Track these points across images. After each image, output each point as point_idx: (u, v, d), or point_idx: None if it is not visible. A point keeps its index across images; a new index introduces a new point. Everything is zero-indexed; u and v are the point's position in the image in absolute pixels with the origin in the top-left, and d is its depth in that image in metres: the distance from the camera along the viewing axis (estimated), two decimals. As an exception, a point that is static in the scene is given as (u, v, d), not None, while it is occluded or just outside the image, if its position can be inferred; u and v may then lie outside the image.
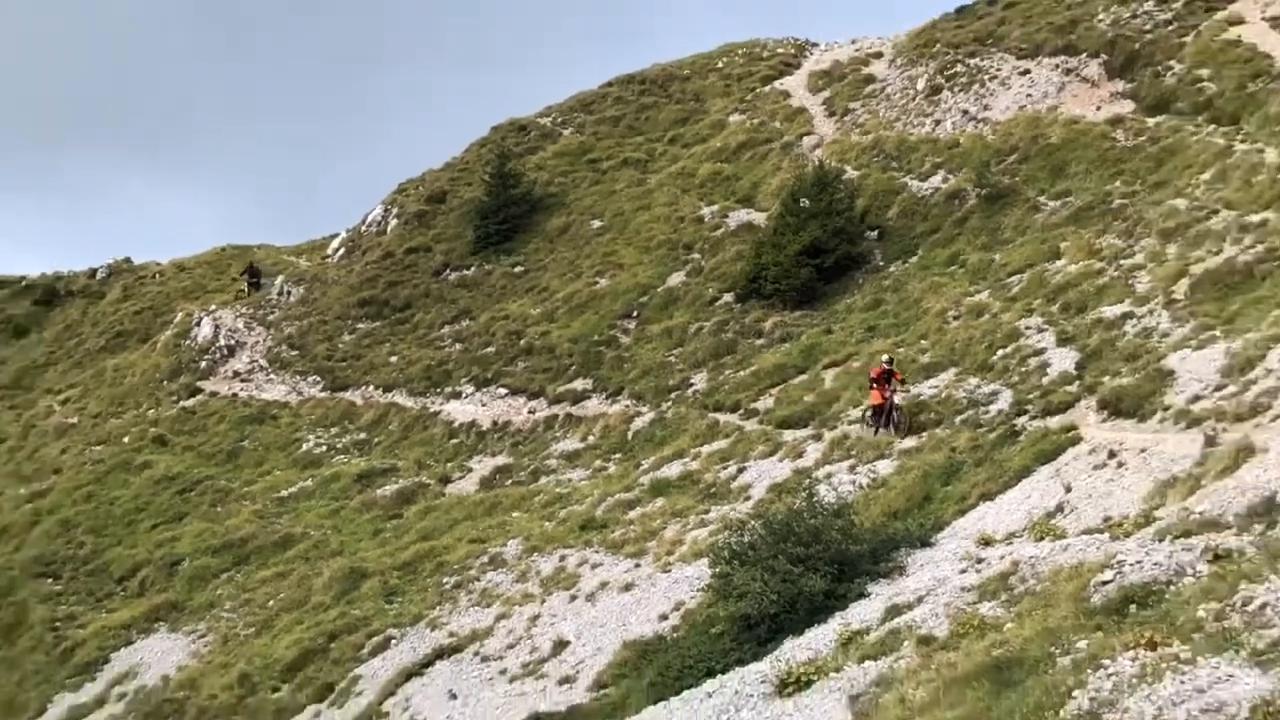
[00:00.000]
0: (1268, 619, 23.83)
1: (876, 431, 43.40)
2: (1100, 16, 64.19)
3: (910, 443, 41.68)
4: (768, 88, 75.70)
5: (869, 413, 43.99)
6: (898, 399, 43.37)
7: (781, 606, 32.76)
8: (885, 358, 44.15)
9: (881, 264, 56.26)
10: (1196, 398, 35.64)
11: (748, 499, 42.59)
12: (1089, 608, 26.67)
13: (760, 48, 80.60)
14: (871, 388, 43.54)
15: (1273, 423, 32.28)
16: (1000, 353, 44.08)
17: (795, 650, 31.04)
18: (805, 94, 73.46)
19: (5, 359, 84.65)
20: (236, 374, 70.92)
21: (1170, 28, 61.02)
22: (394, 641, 43.42)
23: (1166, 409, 36.02)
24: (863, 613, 31.75)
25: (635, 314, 61.02)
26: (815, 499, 37.44)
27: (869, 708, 27.20)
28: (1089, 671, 24.47)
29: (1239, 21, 58.96)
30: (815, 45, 79.97)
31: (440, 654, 41.40)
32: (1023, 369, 42.33)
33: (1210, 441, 32.74)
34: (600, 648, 37.66)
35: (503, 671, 39.00)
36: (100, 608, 54.38)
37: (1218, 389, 35.48)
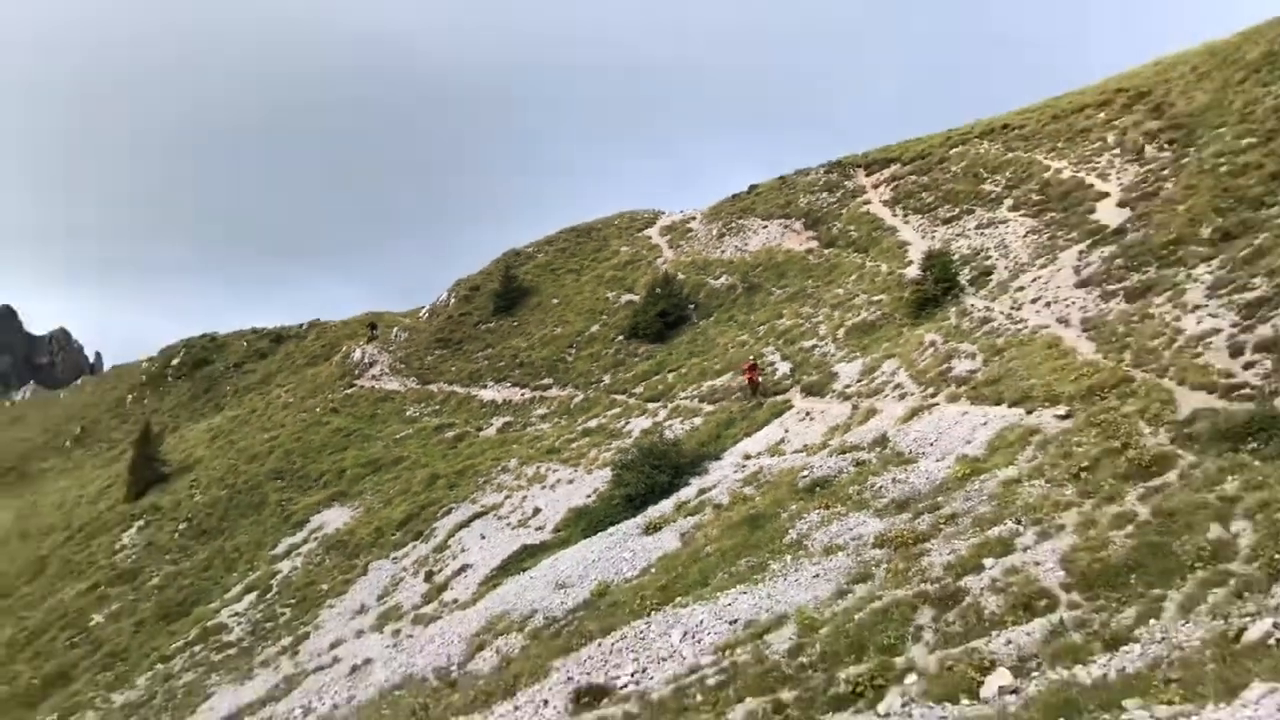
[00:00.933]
0: (881, 492, 24.84)
1: (751, 397, 40.55)
2: (802, 200, 65.20)
3: (710, 407, 42.35)
4: (640, 233, 76.07)
5: (746, 388, 41.44)
6: (761, 379, 41.03)
7: (647, 490, 33.53)
8: (752, 358, 43.24)
9: (696, 321, 56.91)
10: (848, 386, 36.57)
11: (630, 436, 43.08)
12: (797, 489, 27.66)
13: (638, 215, 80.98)
14: (745, 373, 41.52)
15: (884, 398, 33.12)
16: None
17: (653, 512, 31.79)
18: (659, 237, 73.92)
19: (255, 369, 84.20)
20: (373, 377, 70.37)
21: (835, 204, 62.17)
22: (453, 510, 43.65)
23: (834, 391, 36.89)
24: (687, 493, 32.54)
25: (574, 346, 61.33)
26: (662, 436, 38.15)
27: (690, 539, 27.91)
28: (797, 520, 25.44)
29: (867, 201, 60.19)
30: (663, 212, 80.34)
31: (476, 516, 41.78)
32: (764, 372, 43.03)
33: (855, 407, 33.70)
34: (557, 511, 38.21)
35: (508, 524, 39.39)
36: (305, 495, 54.06)
37: (858, 381, 36.43)
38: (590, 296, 67.55)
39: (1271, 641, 12.25)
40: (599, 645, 22.36)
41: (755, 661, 17.91)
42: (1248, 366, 22.78)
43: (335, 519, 49.22)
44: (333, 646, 34.71)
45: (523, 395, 58.55)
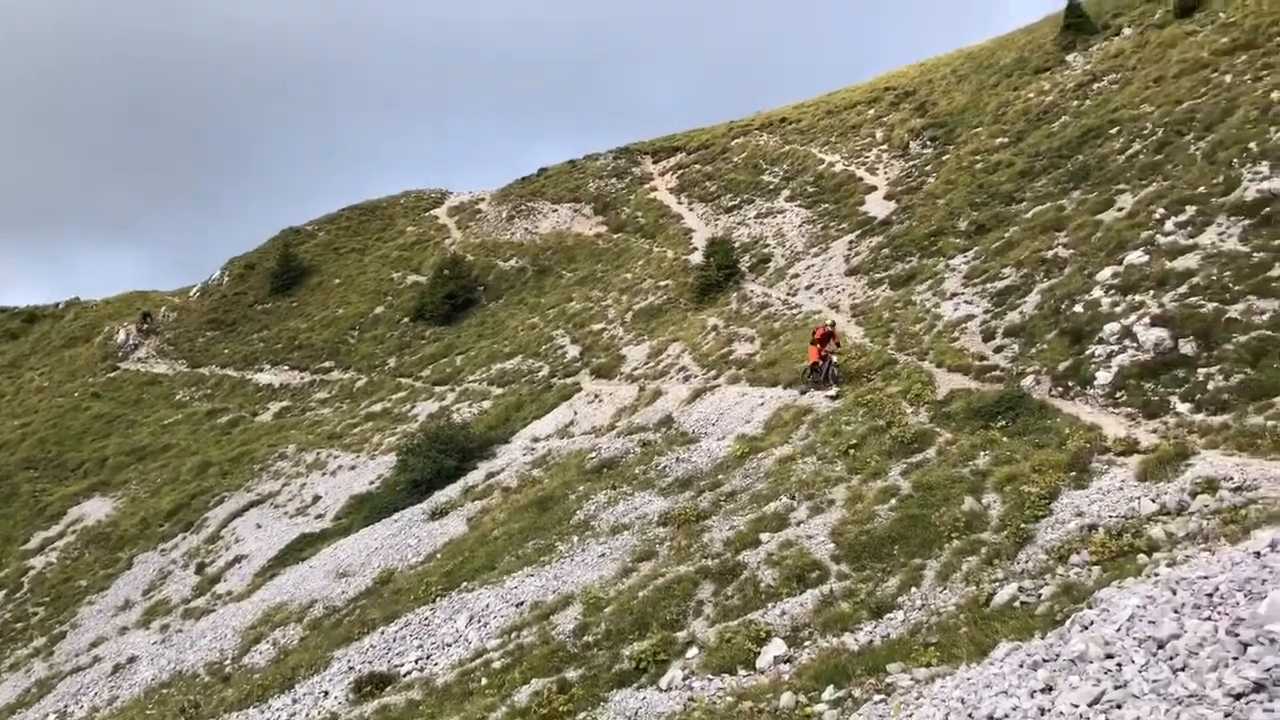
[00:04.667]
0: (666, 472, 25.26)
1: (814, 385, 26.49)
2: (591, 185, 65.50)
3: (499, 390, 42.03)
4: (428, 213, 74.37)
5: (808, 371, 26.83)
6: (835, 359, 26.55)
7: (434, 474, 32.92)
8: (829, 321, 28.34)
9: (486, 303, 56.21)
10: (635, 368, 36.97)
11: (416, 420, 42.20)
12: (585, 471, 27.78)
13: (425, 194, 79.10)
14: (813, 345, 26.72)
15: (669, 380, 33.67)
16: (544, 347, 44.86)
17: (440, 496, 31.29)
18: (447, 217, 72.53)
19: (5, 351, 77.27)
20: (139, 360, 66.03)
21: (624, 190, 62.84)
22: (226, 499, 41.58)
23: (622, 373, 37.21)
24: (474, 477, 32.15)
25: (357, 328, 59.46)
26: (450, 420, 37.58)
27: (477, 523, 27.57)
28: (584, 501, 25.54)
29: (655, 188, 61.19)
30: (451, 192, 78.81)
31: (252, 505, 40.06)
32: (554, 355, 43.19)
33: (642, 389, 34.11)
34: (338, 499, 37.11)
35: (286, 513, 37.95)
36: (62, 485, 50.15)
37: (646, 364, 36.89)
38: (374, 277, 65.61)
39: (1017, 604, 13.23)
40: (382, 633, 21.91)
41: (541, 643, 17.92)
42: (998, 350, 24.52)
43: (96, 510, 45.90)
44: (93, 646, 32.44)
45: (302, 379, 56.29)
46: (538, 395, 39.26)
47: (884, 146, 50.09)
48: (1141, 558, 12.89)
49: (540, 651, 17.56)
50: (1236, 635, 5.17)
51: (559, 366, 41.50)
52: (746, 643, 15.01)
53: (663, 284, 45.58)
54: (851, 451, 21.46)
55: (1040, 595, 13.18)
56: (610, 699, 14.98)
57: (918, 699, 9.69)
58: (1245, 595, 5.88)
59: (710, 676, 14.50)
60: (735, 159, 58.92)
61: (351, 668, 20.68)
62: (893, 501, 18.34)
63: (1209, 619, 5.82)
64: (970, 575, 14.88)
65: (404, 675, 19.50)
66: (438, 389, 46.17)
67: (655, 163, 65.91)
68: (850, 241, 39.29)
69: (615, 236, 56.71)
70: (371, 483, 36.87)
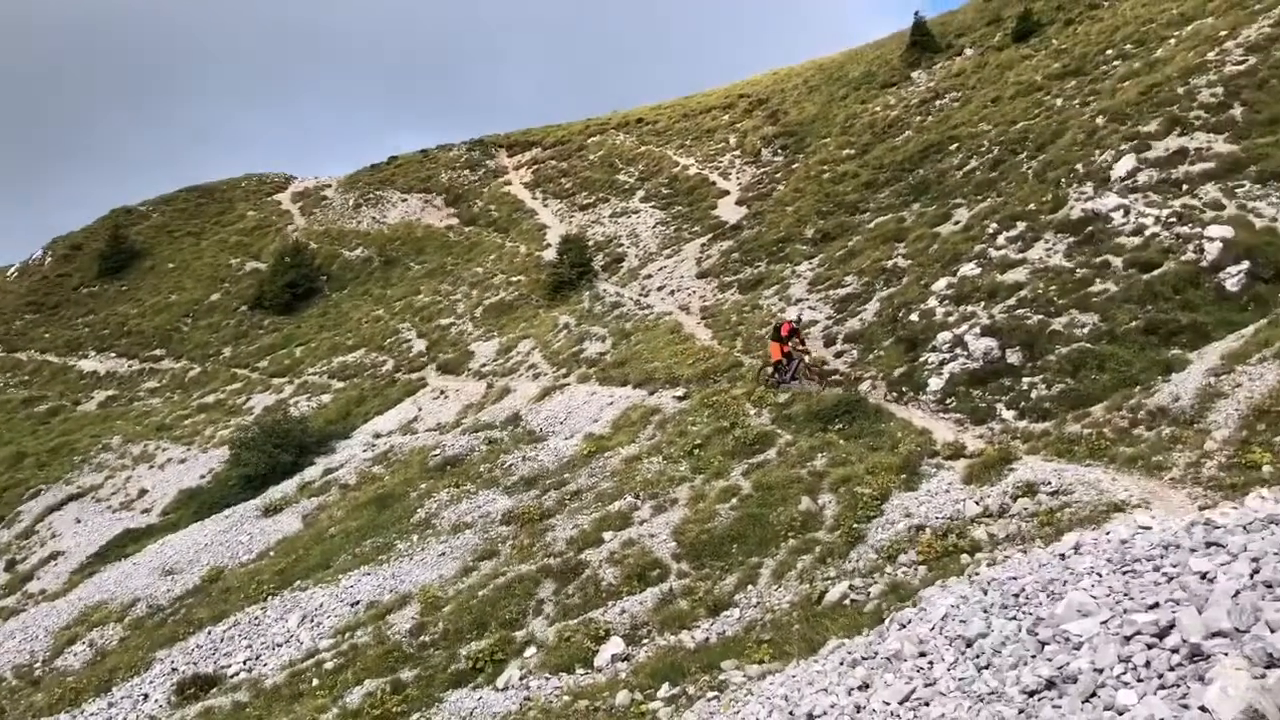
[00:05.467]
0: (511, 470, 25.08)
1: (780, 384, 24.00)
2: (444, 176, 64.61)
3: (340, 384, 40.98)
4: (270, 198, 71.90)
5: (768, 369, 24.47)
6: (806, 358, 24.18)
7: (269, 469, 31.90)
8: (793, 316, 25.51)
9: (329, 293, 54.80)
10: (484, 365, 36.66)
11: (252, 413, 40.75)
12: (428, 468, 27.35)
13: (268, 178, 76.44)
14: (774, 341, 24.22)
15: (518, 377, 33.50)
16: (389, 340, 43.97)
17: (274, 493, 30.34)
18: (290, 203, 70.33)
19: None
20: (-53, 341, 61.67)
21: (477, 182, 62.21)
22: (42, 492, 39.21)
23: (470, 369, 36.81)
24: (311, 473, 31.32)
25: (191, 315, 57.07)
26: (287, 414, 36.52)
27: (313, 520, 26.82)
28: (426, 499, 25.15)
29: (509, 182, 60.79)
30: (295, 177, 76.41)
31: (71, 499, 37.93)
32: (400, 349, 42.39)
33: (490, 386, 33.84)
34: (166, 493, 35.54)
35: (109, 508, 36.12)
36: None
37: (495, 360, 36.58)
38: (211, 263, 63.01)
39: (847, 602, 13.67)
40: (209, 633, 21.06)
41: (376, 643, 17.56)
42: (839, 355, 25.32)
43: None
44: (-117, 651, 30.08)
45: (130, 367, 53.55)
46: (381, 390, 38.45)
47: (737, 152, 51.07)
48: (965, 558, 13.46)
49: (375, 652, 17.19)
50: (1036, 634, 5.45)
51: (404, 361, 40.76)
52: (586, 641, 15.03)
53: (515, 280, 45.29)
54: (696, 451, 21.75)
55: (869, 593, 13.64)
56: (445, 699, 14.78)
57: (747, 696, 9.90)
58: (1048, 595, 6.22)
59: (548, 675, 14.46)
60: (591, 157, 59.04)
61: (175, 669, 19.81)
62: (733, 501, 18.66)
63: (1014, 618, 6.14)
64: (804, 573, 15.27)
65: (231, 676, 18.81)
66: (275, 381, 44.67)
67: (510, 156, 65.51)
68: (702, 244, 39.88)
69: (467, 229, 56.04)
70: (203, 477, 35.43)
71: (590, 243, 45.51)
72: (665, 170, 52.10)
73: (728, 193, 45.81)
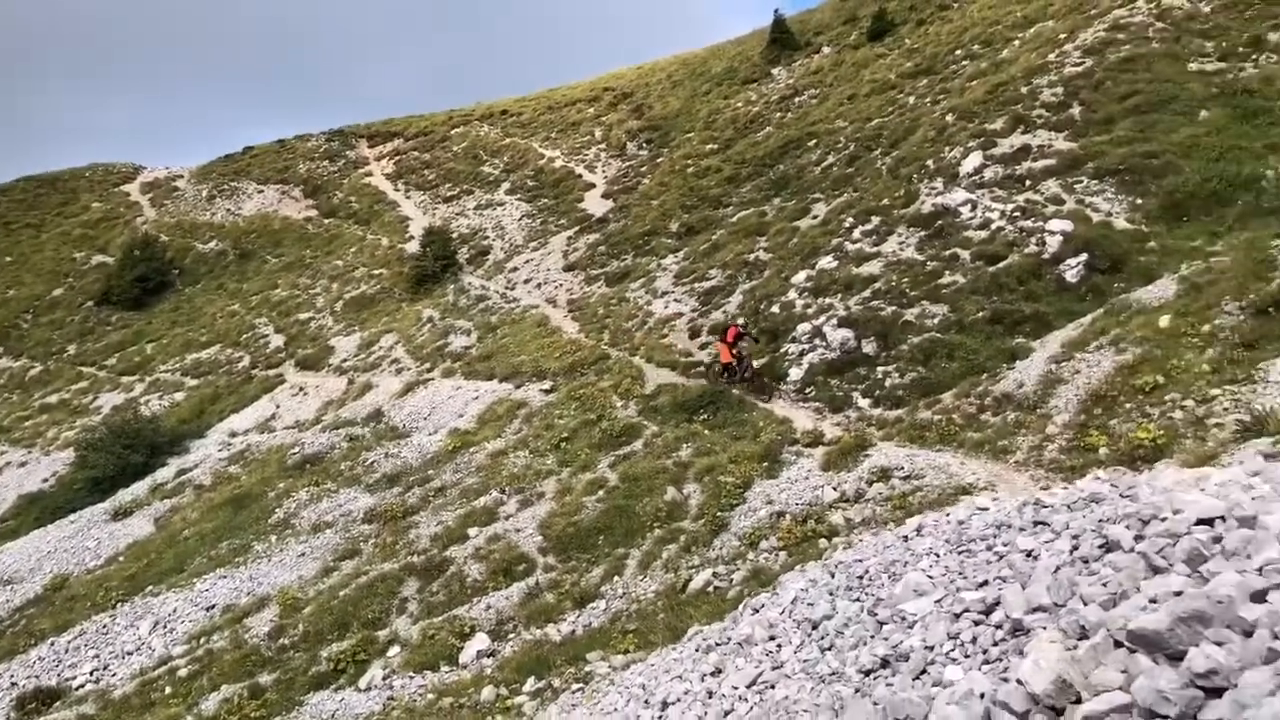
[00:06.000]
0: (374, 468, 24.66)
1: (729, 382, 22.91)
2: (302, 167, 62.88)
3: (194, 382, 39.50)
4: (117, 189, 68.68)
5: (719, 369, 23.30)
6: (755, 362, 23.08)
7: (117, 471, 30.58)
8: (741, 320, 24.29)
9: (181, 287, 52.71)
10: (345, 360, 35.90)
11: (99, 413, 38.93)
12: (286, 467, 26.68)
13: (115, 168, 72.96)
14: (724, 345, 23.01)
15: (381, 372, 32.93)
16: (245, 336, 42.59)
17: (124, 495, 29.22)
18: (139, 194, 67.35)
19: None
20: None
21: (337, 174, 60.73)
22: None
23: (331, 365, 36.01)
24: (164, 474, 30.27)
25: (31, 311, 54.13)
26: (138, 413, 35.11)
27: (165, 523, 25.84)
28: (285, 498, 24.51)
29: (370, 173, 59.56)
30: (144, 167, 73.18)
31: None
32: (257, 344, 41.13)
33: (351, 381, 33.15)
34: (4, 499, 33.70)
35: (-59, 516, 33.89)
36: None
37: (356, 355, 35.85)
38: (54, 256, 59.84)
39: (711, 589, 13.91)
40: (52, 645, 20.07)
41: (233, 647, 17.05)
42: (703, 347, 25.67)
43: None
44: None
45: (-38, 366, 50.44)
46: (237, 387, 37.23)
47: (603, 145, 51.16)
48: (823, 542, 13.85)
49: (232, 656, 16.70)
50: (875, 615, 5.67)
51: (261, 357, 39.54)
52: (450, 639, 14.92)
53: (376, 273, 44.41)
54: (563, 445, 21.78)
55: (732, 580, 13.91)
56: (306, 702, 14.47)
57: (609, 687, 9.98)
58: (889, 577, 6.46)
59: (412, 674, 14.30)
60: (455, 148, 58.30)
61: (14, 683, 18.82)
62: (600, 493, 18.77)
63: (858, 600, 6.36)
64: (670, 563, 15.47)
65: (76, 688, 17.99)
66: (125, 379, 42.74)
67: (372, 147, 64.15)
68: (569, 238, 39.85)
69: (327, 221, 54.66)
70: (45, 480, 33.72)
71: (455, 235, 44.96)
72: (531, 163, 51.84)
73: (594, 186, 45.88)
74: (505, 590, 16.28)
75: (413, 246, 45.25)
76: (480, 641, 14.63)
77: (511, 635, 14.79)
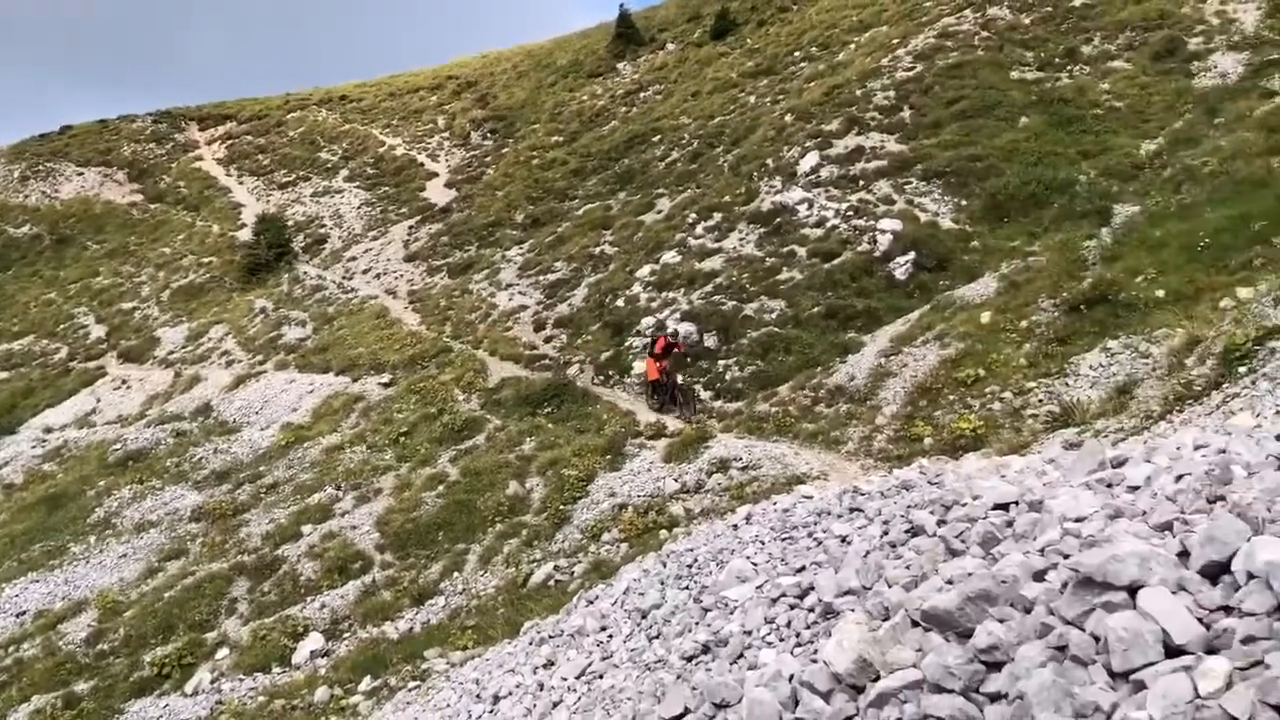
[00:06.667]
0: (202, 464, 23.81)
1: (659, 408, 20.58)
2: (126, 149, 59.84)
3: (5, 374, 37.16)
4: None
5: (650, 389, 20.99)
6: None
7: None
8: (671, 330, 21.81)
9: (-11, 274, 49.23)
10: (172, 352, 34.58)
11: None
12: (107, 464, 25.49)
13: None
14: (651, 359, 20.87)
15: (210, 365, 31.85)
16: (62, 326, 40.40)
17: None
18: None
19: None
20: None
21: (164, 157, 58.10)
22: None
23: (156, 357, 34.60)
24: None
25: None
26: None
27: (-30, 526, 24.32)
28: (105, 497, 23.41)
29: (200, 157, 57.20)
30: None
31: None
32: (75, 335, 39.13)
33: (178, 374, 31.99)
34: None
35: None
36: None
37: (184, 347, 34.61)
38: None
39: (552, 583, 14.01)
40: None
41: (46, 655, 16.23)
42: (548, 340, 25.71)
43: None
44: None
45: None
46: (53, 380, 35.25)
47: (446, 134, 50.51)
48: (664, 533, 14.12)
49: (44, 665, 15.92)
50: (701, 602, 5.86)
51: (80, 348, 37.53)
52: (283, 639, 14.60)
53: (206, 261, 42.69)
54: (402, 439, 21.48)
55: (574, 573, 14.04)
56: (127, 710, 13.95)
57: (444, 683, 9.95)
58: (717, 564, 6.67)
59: (242, 676, 13.94)
60: (291, 133, 56.52)
61: None
62: (440, 488, 18.61)
63: (686, 588, 6.55)
64: (511, 557, 15.49)
65: None
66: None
67: (202, 130, 61.59)
68: (410, 227, 39.20)
69: (153, 207, 52.19)
70: None
71: (290, 223, 43.60)
72: (371, 150, 50.74)
73: (436, 175, 45.25)
74: (341, 589, 15.99)
75: (245, 234, 43.62)
76: (314, 641, 14.35)
77: (347, 634, 14.56)
